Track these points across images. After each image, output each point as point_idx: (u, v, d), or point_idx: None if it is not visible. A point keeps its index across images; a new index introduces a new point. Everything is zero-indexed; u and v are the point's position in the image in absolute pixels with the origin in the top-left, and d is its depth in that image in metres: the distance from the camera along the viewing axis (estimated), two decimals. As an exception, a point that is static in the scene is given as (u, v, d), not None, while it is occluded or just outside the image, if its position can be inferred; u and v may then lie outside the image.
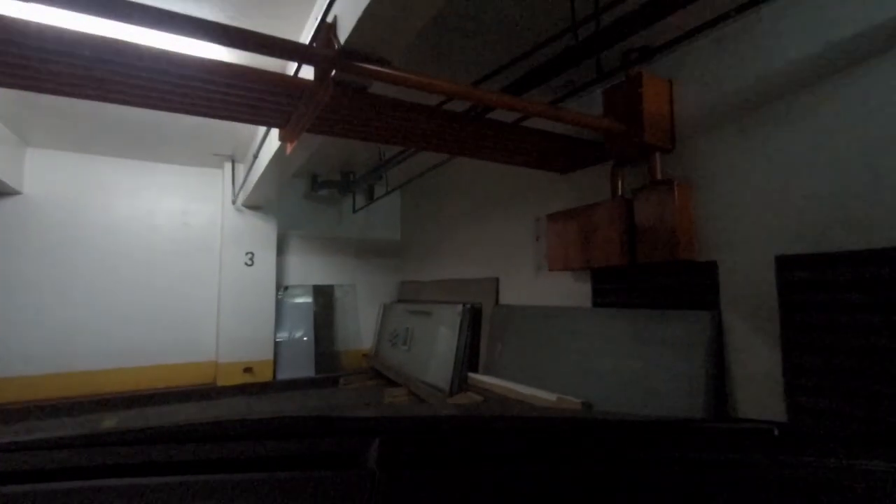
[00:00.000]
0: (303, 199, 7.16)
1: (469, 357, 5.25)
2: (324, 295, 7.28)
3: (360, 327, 7.41)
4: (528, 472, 0.83)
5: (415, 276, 7.39)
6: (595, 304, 4.00)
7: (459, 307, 5.36)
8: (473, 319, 5.35)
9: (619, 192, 3.66)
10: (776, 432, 1.00)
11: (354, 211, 7.28)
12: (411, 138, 3.51)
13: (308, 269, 7.13)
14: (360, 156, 6.17)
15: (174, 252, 6.18)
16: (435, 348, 5.61)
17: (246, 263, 6.28)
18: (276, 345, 6.47)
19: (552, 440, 1.01)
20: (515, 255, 5.00)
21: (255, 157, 4.97)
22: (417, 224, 7.51)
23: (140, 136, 5.32)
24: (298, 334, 6.85)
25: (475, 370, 5.23)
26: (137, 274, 5.94)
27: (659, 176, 3.36)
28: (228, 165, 6.20)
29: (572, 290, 4.23)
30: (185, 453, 0.87)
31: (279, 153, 4.13)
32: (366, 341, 7.42)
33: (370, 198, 7.18)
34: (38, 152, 5.55)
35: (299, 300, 7.01)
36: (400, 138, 3.51)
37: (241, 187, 5.93)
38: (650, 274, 3.54)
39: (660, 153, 3.38)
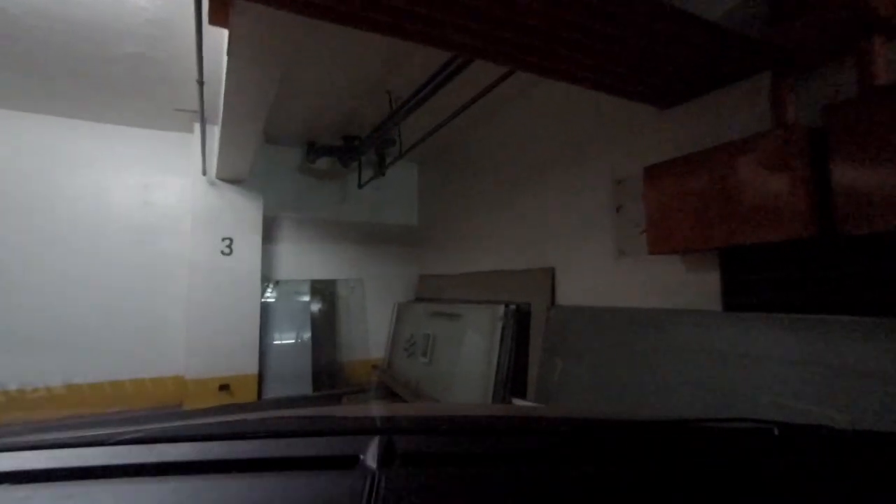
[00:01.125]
0: (296, 174, 5.79)
1: (513, 376, 3.85)
2: (324, 292, 5.91)
3: (368, 332, 6.03)
4: (528, 471, 0.83)
5: (437, 269, 5.98)
6: (729, 305, 2.54)
7: (500, 309, 3.95)
8: (519, 325, 3.93)
9: (789, 119, 2.20)
10: (776, 432, 1.00)
11: (360, 186, 5.88)
12: (442, 31, 2.08)
13: (304, 260, 5.76)
14: (365, 114, 4.77)
15: (132, 238, 4.86)
16: (464, 362, 4.22)
17: (222, 252, 4.94)
18: (262, 355, 5.12)
19: (552, 440, 1.01)
20: (582, 234, 3.55)
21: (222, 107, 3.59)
22: (440, 202, 6.09)
23: (87, 86, 4.02)
24: (291, 341, 5.49)
25: (521, 394, 3.82)
26: (84, 266, 4.63)
27: (882, 78, 1.89)
28: (199, 127, 4.83)
29: (683, 285, 2.78)
30: (183, 454, 0.88)
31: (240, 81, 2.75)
32: (375, 350, 6.04)
33: (380, 170, 5.78)
34: (-52, 108, 4.28)
35: (292, 299, 5.66)
36: (421, 27, 2.07)
37: (213, 154, 4.58)
38: (857, 254, 2.06)
39: (884, 38, 1.90)
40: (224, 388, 4.80)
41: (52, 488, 0.77)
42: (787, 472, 0.85)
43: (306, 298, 5.68)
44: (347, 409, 1.56)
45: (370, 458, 0.82)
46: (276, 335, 5.41)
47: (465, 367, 4.20)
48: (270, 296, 5.51)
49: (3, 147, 4.42)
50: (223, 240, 4.95)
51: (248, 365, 4.97)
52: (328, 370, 5.66)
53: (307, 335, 5.53)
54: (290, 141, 5.56)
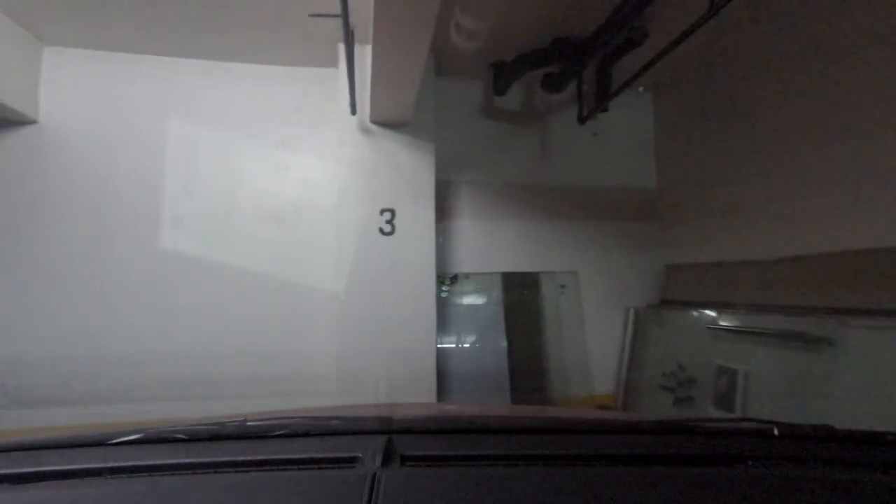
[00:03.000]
0: (476, 118, 3.96)
1: None
2: (521, 292, 3.95)
3: (588, 352, 3.92)
4: (528, 471, 0.84)
5: (698, 254, 3.65)
6: None
7: None
8: None
9: None
10: (776, 432, 1.01)
11: (582, 119, 3.83)
12: None
13: (490, 244, 3.89)
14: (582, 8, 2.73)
15: (264, 215, 3.50)
16: None
17: (381, 230, 3.30)
18: (440, 379, 3.35)
19: (552, 441, 1.00)
20: None
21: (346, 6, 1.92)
22: (699, 151, 3.74)
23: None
24: (478, 364, 3.65)
25: None
26: (199, 254, 3.38)
27: None
28: (343, 51, 3.27)
29: None
30: (184, 454, 0.90)
31: None
32: (600, 378, 3.90)
33: (601, 101, 3.67)
34: (58, 54, 3.32)
35: (477, 304, 3.82)
36: None
37: (365, 87, 2.97)
38: None
39: None
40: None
41: (52, 488, 0.79)
42: (787, 472, 0.85)
43: (498, 302, 3.80)
44: (348, 410, 1.38)
45: (370, 458, 0.85)
46: (457, 355, 3.61)
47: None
48: (445, 297, 3.75)
49: (113, 99, 3.36)
50: (382, 212, 3.31)
51: (423, 393, 3.22)
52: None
53: (503, 359, 3.63)
54: (465, 69, 3.77)
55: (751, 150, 3.26)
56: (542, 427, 1.10)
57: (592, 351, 3.90)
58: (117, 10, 2.98)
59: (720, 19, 2.45)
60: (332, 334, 3.29)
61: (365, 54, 3.21)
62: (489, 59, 3.66)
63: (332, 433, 1.02)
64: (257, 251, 3.47)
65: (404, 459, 0.86)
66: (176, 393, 3.20)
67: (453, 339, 3.66)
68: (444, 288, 3.73)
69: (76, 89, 3.32)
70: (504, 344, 3.69)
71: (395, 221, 3.32)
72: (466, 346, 3.67)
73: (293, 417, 1.07)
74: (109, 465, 0.85)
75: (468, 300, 3.80)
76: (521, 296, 3.91)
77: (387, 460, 0.84)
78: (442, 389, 3.37)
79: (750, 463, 0.89)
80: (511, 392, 3.60)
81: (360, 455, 0.87)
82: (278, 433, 1.00)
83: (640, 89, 4.10)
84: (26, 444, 0.96)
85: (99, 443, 0.97)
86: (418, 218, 3.36)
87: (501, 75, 3.60)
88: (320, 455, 0.89)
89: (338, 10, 3.00)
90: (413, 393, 3.22)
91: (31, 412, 3.02)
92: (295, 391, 3.33)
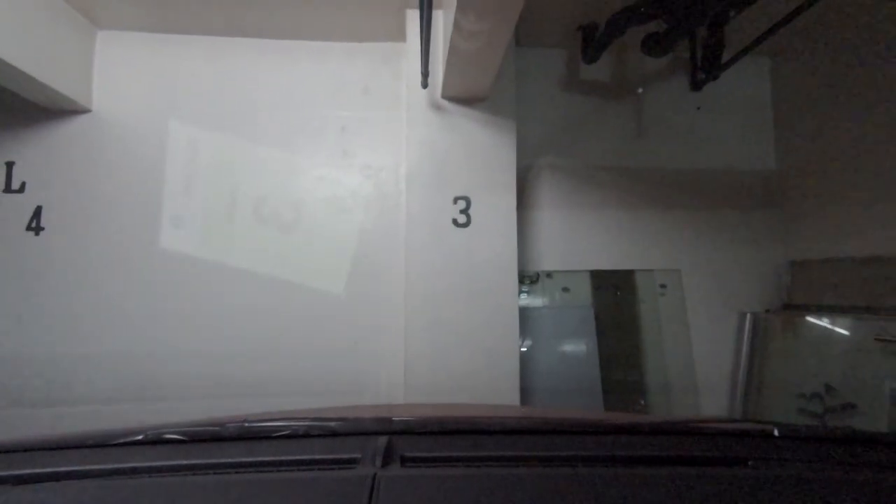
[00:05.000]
0: (560, 92, 3.45)
1: None
2: (615, 293, 3.40)
3: (693, 365, 3.32)
4: (528, 472, 0.84)
5: (834, 249, 2.98)
6: None
7: None
8: None
9: None
10: (776, 432, 1.02)
11: (698, 85, 3.29)
12: None
13: (578, 238, 3.37)
14: None
15: (324, 205, 3.16)
16: None
17: (455, 221, 2.87)
18: (523, 389, 2.88)
19: (552, 441, 0.99)
20: None
21: None
22: (834, 126, 3.06)
23: None
24: (565, 377, 3.15)
25: None
26: (260, 248, 3.08)
27: None
28: (415, 18, 2.85)
29: None
30: (184, 455, 0.91)
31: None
32: (709, 398, 3.29)
33: (712, 68, 3.08)
34: (111, 38, 3.13)
35: (563, 303, 3.31)
36: None
37: (438, 58, 2.56)
38: None
39: None
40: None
41: (52, 489, 0.79)
42: (787, 473, 0.85)
43: (587, 305, 3.28)
44: (348, 410, 1.33)
45: (370, 459, 0.85)
46: (541, 366, 3.13)
47: None
48: (527, 298, 3.28)
49: (167, 85, 3.12)
50: (455, 200, 2.88)
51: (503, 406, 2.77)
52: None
53: (594, 370, 3.11)
54: (548, 36, 3.28)
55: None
56: (542, 427, 1.10)
57: (699, 364, 3.30)
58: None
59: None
60: (399, 345, 2.89)
61: (436, 20, 2.80)
62: (576, 22, 3.15)
63: (333, 434, 1.02)
64: (316, 243, 3.13)
65: (404, 460, 0.87)
66: (249, 390, 2.92)
67: (535, 345, 3.18)
68: (524, 288, 3.26)
69: (129, 75, 3.11)
70: (595, 354, 3.17)
71: (471, 211, 2.89)
72: (551, 354, 3.17)
73: (293, 418, 1.07)
74: (109, 466, 0.86)
75: (552, 302, 3.30)
76: (613, 297, 3.36)
77: (387, 461, 0.84)
78: (524, 401, 2.90)
79: (750, 463, 0.90)
80: (605, 406, 3.08)
81: (361, 456, 0.87)
82: (278, 434, 1.00)
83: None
84: (26, 444, 0.96)
85: (99, 444, 0.97)
86: (497, 207, 2.91)
87: (592, 40, 3.07)
88: (320, 456, 0.89)
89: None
90: (494, 402, 2.78)
91: (92, 408, 2.83)
92: (362, 392, 2.97)
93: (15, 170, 2.97)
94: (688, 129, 3.44)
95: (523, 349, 3.10)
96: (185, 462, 0.87)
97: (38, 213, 2.94)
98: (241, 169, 3.14)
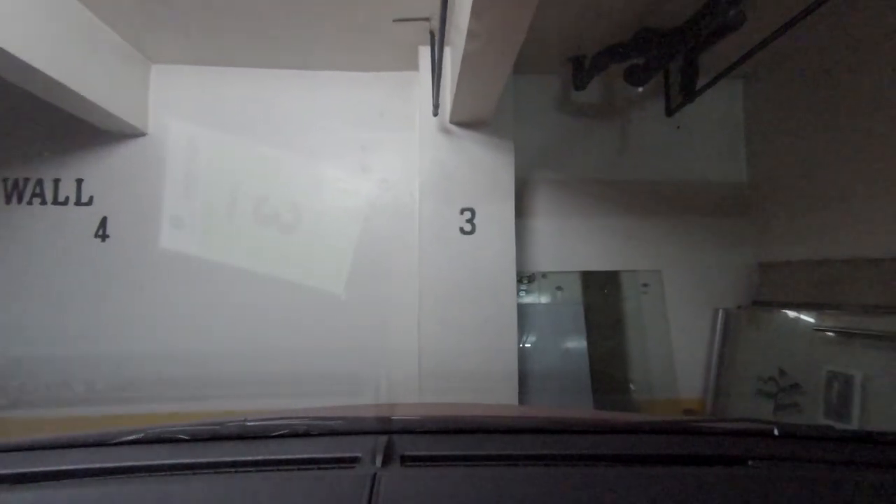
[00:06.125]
0: (553, 114, 3.90)
1: None
2: (602, 291, 3.85)
3: (672, 355, 3.76)
4: (528, 471, 0.84)
5: (798, 252, 3.40)
6: None
7: None
8: None
9: None
10: (776, 432, 1.01)
11: (671, 112, 3.69)
12: None
13: (569, 242, 3.82)
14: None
15: (345, 215, 3.62)
16: None
17: (462, 229, 3.32)
18: (520, 380, 3.32)
19: (552, 441, 0.99)
20: None
21: (445, 8, 1.97)
22: (800, 141, 3.48)
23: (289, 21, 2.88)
24: (558, 366, 3.60)
25: None
26: (287, 253, 3.55)
27: None
28: (426, 53, 3.33)
29: None
30: (185, 455, 0.90)
31: None
32: (687, 385, 3.73)
33: (687, 92, 3.51)
34: (164, 71, 3.60)
35: (556, 303, 3.76)
36: None
37: (445, 81, 3.00)
38: None
39: None
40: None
41: (52, 488, 0.78)
42: (787, 472, 0.84)
43: (577, 302, 3.73)
44: (348, 410, 1.32)
45: (370, 458, 0.84)
46: (537, 357, 3.58)
47: None
48: (525, 296, 3.73)
49: (211, 111, 3.59)
50: (462, 212, 3.33)
51: (504, 395, 3.20)
52: (616, 411, 3.57)
53: (583, 361, 3.56)
54: (542, 64, 3.71)
55: (861, 138, 2.99)
56: (542, 427, 1.09)
57: (678, 353, 3.74)
58: (215, 29, 3.19)
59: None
60: (415, 333, 3.36)
61: (445, 56, 3.25)
62: (567, 54, 3.59)
63: (333, 433, 1.02)
64: (339, 249, 3.59)
65: (404, 459, 0.87)
66: (269, 390, 3.38)
67: (532, 339, 3.63)
68: (521, 287, 3.71)
69: (179, 103, 3.59)
70: (584, 344, 3.61)
71: (475, 220, 3.33)
72: (546, 346, 3.62)
73: (293, 418, 1.07)
74: (109, 465, 0.85)
75: (547, 300, 3.75)
76: (601, 295, 3.81)
77: (387, 460, 0.84)
78: (522, 390, 3.34)
79: (750, 463, 0.89)
80: (593, 394, 3.52)
81: (361, 455, 0.87)
82: (278, 433, 1.00)
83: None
84: (26, 444, 0.95)
85: (99, 443, 0.96)
86: (498, 217, 3.35)
87: (581, 70, 3.51)
88: (320, 455, 0.89)
89: (418, 14, 3.09)
90: (495, 392, 3.22)
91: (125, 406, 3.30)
92: (383, 384, 3.43)
93: (84, 185, 3.46)
94: (667, 146, 3.87)
95: (522, 345, 3.54)
96: (185, 461, 0.87)
97: (103, 222, 3.43)
98: (273, 182, 3.61)
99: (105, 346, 3.34)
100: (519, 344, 3.32)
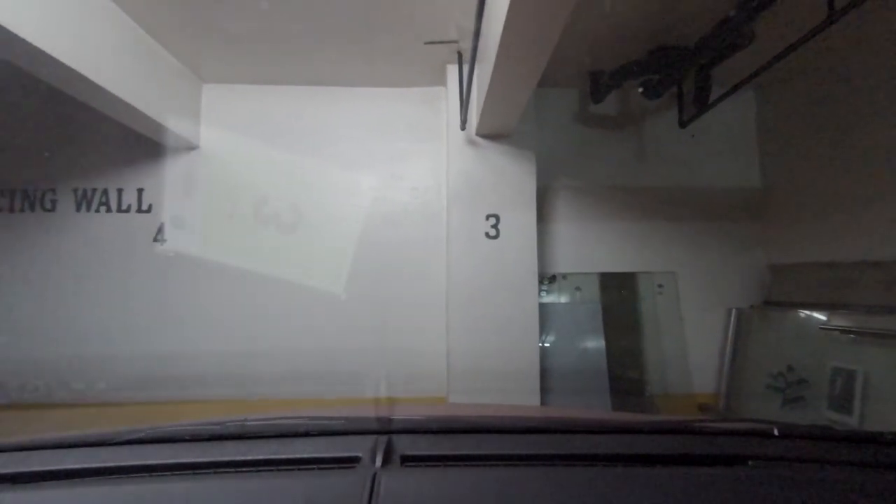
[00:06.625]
0: (572, 125, 4.13)
1: None
2: (619, 291, 4.08)
3: (687, 352, 3.96)
4: (529, 471, 0.84)
5: (810, 254, 3.57)
6: None
7: None
8: None
9: None
10: (776, 432, 1.01)
11: (684, 124, 3.88)
12: None
13: (588, 245, 4.05)
14: (693, 7, 2.82)
15: (379, 220, 3.91)
16: None
17: (487, 234, 3.58)
18: (541, 377, 3.57)
19: (552, 441, 0.99)
20: None
21: (479, 29, 2.24)
22: (813, 147, 3.65)
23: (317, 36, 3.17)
24: (577, 362, 3.83)
25: None
26: (330, 260, 3.85)
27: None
28: (454, 71, 3.60)
29: None
30: (185, 455, 0.89)
31: None
32: (700, 378, 3.93)
33: (700, 104, 3.71)
34: (214, 89, 3.95)
35: (575, 303, 4.00)
36: None
37: (473, 98, 3.26)
38: None
39: None
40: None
41: (53, 488, 0.78)
42: (787, 473, 0.84)
43: (595, 302, 3.96)
44: (347, 410, 1.32)
45: (370, 458, 0.84)
46: (557, 353, 3.82)
47: None
48: (546, 296, 3.97)
49: (257, 126, 3.92)
50: (487, 218, 3.59)
51: (526, 389, 3.46)
52: (632, 404, 3.81)
53: (601, 357, 3.79)
54: (561, 79, 3.95)
55: (869, 146, 3.16)
56: (542, 427, 1.09)
57: (692, 351, 3.94)
58: (259, 51, 3.50)
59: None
60: (443, 333, 3.63)
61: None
62: (586, 68, 3.82)
63: (333, 433, 1.01)
64: (371, 253, 3.88)
65: (405, 459, 0.87)
66: (307, 382, 3.69)
67: (552, 337, 3.87)
68: (543, 287, 3.95)
69: (227, 118, 3.92)
70: (602, 342, 3.84)
71: (500, 226, 3.59)
72: (565, 343, 3.86)
73: (293, 417, 1.08)
74: (108, 465, 0.85)
75: (566, 299, 3.99)
76: (618, 295, 4.03)
77: (387, 460, 0.84)
78: (543, 385, 3.57)
79: (750, 463, 0.89)
80: (610, 389, 3.74)
81: (361, 455, 0.87)
82: (278, 433, 1.00)
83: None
84: (26, 444, 0.95)
85: (98, 443, 0.96)
86: (520, 222, 3.61)
87: (599, 84, 3.74)
88: (320, 455, 0.89)
89: (446, 37, 3.36)
90: (518, 390, 3.46)
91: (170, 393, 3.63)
92: (413, 379, 3.71)
93: (143, 194, 3.82)
94: (681, 153, 4.07)
95: (543, 339, 3.79)
96: (185, 461, 0.87)
97: (161, 228, 3.78)
98: (311, 190, 3.91)
99: (161, 340, 3.70)
100: (540, 339, 3.57)
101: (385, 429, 0.99)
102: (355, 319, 3.79)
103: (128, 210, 3.80)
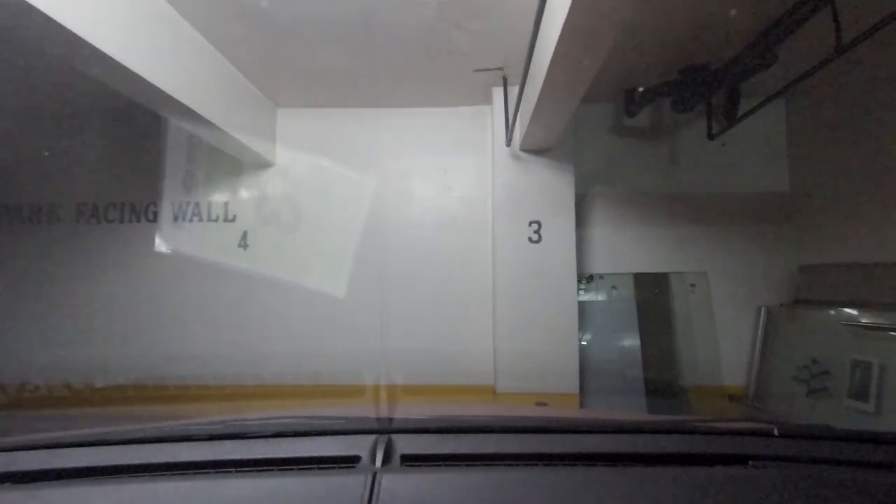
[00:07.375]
0: (608, 136, 4.47)
1: None
2: (653, 290, 4.41)
3: (718, 347, 4.25)
4: (528, 471, 0.84)
5: (838, 255, 3.79)
6: None
7: None
8: None
9: None
10: (776, 432, 1.00)
11: (712, 135, 4.17)
12: None
13: (623, 248, 4.39)
14: (722, 28, 3.13)
15: (431, 227, 4.37)
16: None
17: (530, 238, 3.98)
18: (581, 370, 3.94)
19: (552, 441, 0.99)
20: None
21: (531, 57, 2.63)
22: (840, 153, 3.88)
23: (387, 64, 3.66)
24: (613, 356, 4.19)
25: None
26: (390, 263, 4.34)
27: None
28: (499, 93, 4.02)
29: None
30: (185, 454, 0.89)
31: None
32: (730, 373, 4.20)
33: (730, 116, 3.98)
34: (288, 113, 4.50)
35: (612, 300, 4.35)
36: None
37: (517, 117, 3.67)
38: None
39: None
40: (541, 406, 3.79)
41: (53, 488, 0.78)
42: (787, 472, 0.84)
43: (630, 300, 4.30)
44: (347, 409, 1.37)
45: (370, 458, 0.84)
46: (594, 347, 4.18)
47: None
48: (584, 295, 4.33)
49: (327, 145, 4.45)
50: (530, 224, 3.99)
51: (566, 380, 3.83)
52: (666, 396, 4.13)
53: (636, 351, 4.13)
54: (598, 93, 4.29)
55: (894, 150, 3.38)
56: (542, 427, 1.10)
57: (723, 347, 4.21)
58: (326, 79, 4.01)
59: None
60: (489, 332, 4.05)
61: (514, 94, 3.91)
62: (621, 85, 4.15)
63: (332, 433, 1.02)
64: (422, 257, 4.34)
65: (404, 459, 0.86)
66: (374, 371, 4.18)
67: (590, 335, 4.23)
68: (581, 287, 4.31)
69: (299, 138, 4.46)
70: (637, 340, 4.17)
71: (542, 231, 3.98)
72: (602, 338, 4.21)
73: (293, 417, 1.08)
74: (108, 465, 0.85)
75: (603, 298, 4.34)
76: (652, 295, 4.36)
77: (387, 460, 0.84)
78: (582, 378, 3.93)
79: (750, 463, 0.89)
80: (644, 381, 4.07)
81: (361, 455, 0.87)
82: (278, 433, 1.00)
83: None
84: (26, 443, 0.95)
85: (98, 443, 0.96)
86: (560, 227, 3.99)
87: (632, 100, 4.07)
88: (320, 455, 0.89)
89: (492, 65, 3.76)
90: (558, 386, 3.80)
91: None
92: (465, 373, 4.15)
93: (228, 206, 4.41)
94: (712, 161, 4.34)
95: (582, 336, 4.15)
96: (184, 461, 0.87)
97: (244, 235, 4.36)
98: (372, 200, 4.41)
99: (244, 332, 4.27)
100: (579, 336, 3.94)
101: (385, 429, 0.99)
102: (413, 319, 4.25)
103: (216, 220, 4.40)
